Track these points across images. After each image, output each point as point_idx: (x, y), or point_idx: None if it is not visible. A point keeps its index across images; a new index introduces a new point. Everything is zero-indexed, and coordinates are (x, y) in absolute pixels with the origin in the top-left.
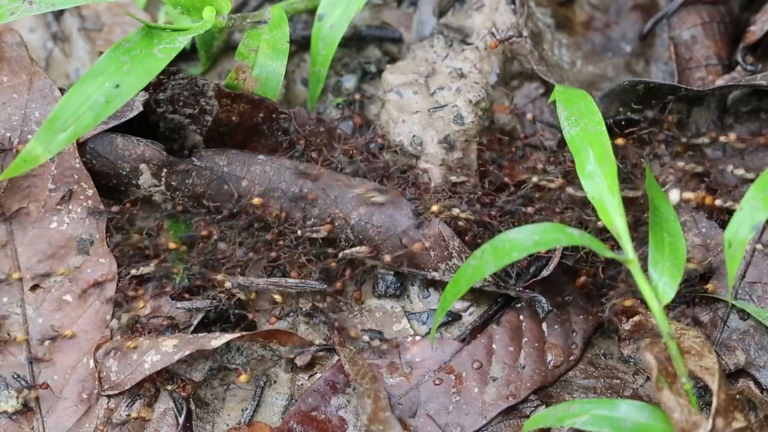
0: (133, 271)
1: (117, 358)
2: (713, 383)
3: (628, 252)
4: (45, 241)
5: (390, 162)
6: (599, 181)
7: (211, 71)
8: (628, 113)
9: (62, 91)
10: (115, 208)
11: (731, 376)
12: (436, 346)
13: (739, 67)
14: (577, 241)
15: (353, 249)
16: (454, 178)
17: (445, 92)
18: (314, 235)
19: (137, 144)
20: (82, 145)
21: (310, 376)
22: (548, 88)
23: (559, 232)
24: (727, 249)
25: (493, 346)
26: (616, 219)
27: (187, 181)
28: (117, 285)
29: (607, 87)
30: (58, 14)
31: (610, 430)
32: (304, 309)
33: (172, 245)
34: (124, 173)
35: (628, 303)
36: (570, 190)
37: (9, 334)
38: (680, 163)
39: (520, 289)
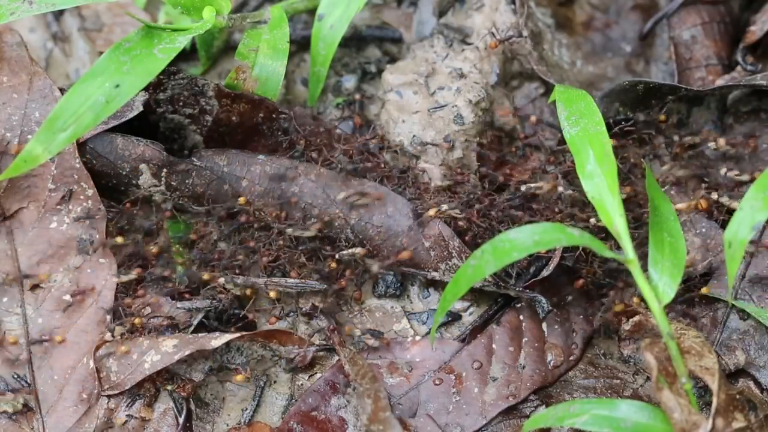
0: (129, 276)
1: (117, 358)
2: (713, 383)
3: (628, 252)
4: (45, 241)
5: (390, 162)
6: (599, 181)
7: (211, 71)
8: (628, 113)
9: (62, 91)
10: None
11: (731, 376)
12: (436, 346)
13: (739, 67)
14: (577, 241)
15: (350, 250)
16: (448, 182)
17: (445, 92)
18: (304, 234)
19: (137, 144)
20: (82, 145)
21: (310, 376)
22: (548, 88)
23: (559, 232)
24: (727, 249)
25: (493, 346)
26: (616, 219)
27: (187, 181)
28: (117, 285)
29: (607, 87)
30: (58, 14)
31: (610, 430)
32: (304, 309)
33: (172, 245)
34: (124, 173)
35: (618, 308)
36: (560, 189)
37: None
38: (676, 170)
39: (520, 289)
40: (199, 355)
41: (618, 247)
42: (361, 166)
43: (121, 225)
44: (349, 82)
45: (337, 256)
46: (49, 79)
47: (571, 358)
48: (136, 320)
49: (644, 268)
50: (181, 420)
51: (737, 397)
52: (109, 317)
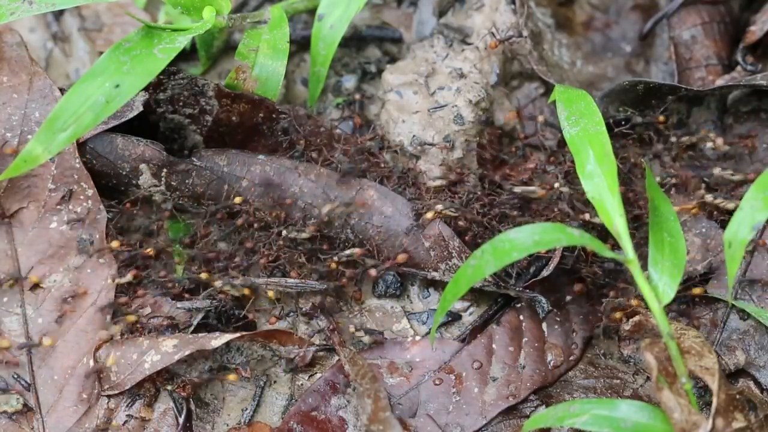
0: (127, 278)
1: (117, 358)
2: (713, 383)
3: (628, 252)
4: (45, 241)
5: (390, 162)
6: (599, 181)
7: (211, 71)
8: (629, 113)
9: (62, 91)
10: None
11: (731, 376)
12: (436, 346)
13: (739, 67)
14: (577, 241)
15: (348, 251)
16: (441, 181)
17: (445, 92)
18: (300, 236)
19: (137, 144)
20: (82, 145)
21: (310, 376)
22: (548, 88)
23: (559, 232)
24: (727, 249)
25: (493, 346)
26: (616, 219)
27: (187, 181)
28: (117, 285)
29: (607, 87)
30: (58, 14)
31: (610, 430)
32: (304, 309)
33: (171, 245)
34: (124, 173)
35: (618, 309)
36: (557, 187)
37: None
38: (675, 170)
39: (520, 289)
40: (199, 355)
41: (617, 247)
42: (361, 166)
43: (121, 225)
44: (349, 82)
45: (335, 258)
46: (49, 79)
47: (571, 358)
48: (136, 320)
49: (644, 269)
50: (181, 420)
51: (737, 397)
52: (109, 317)
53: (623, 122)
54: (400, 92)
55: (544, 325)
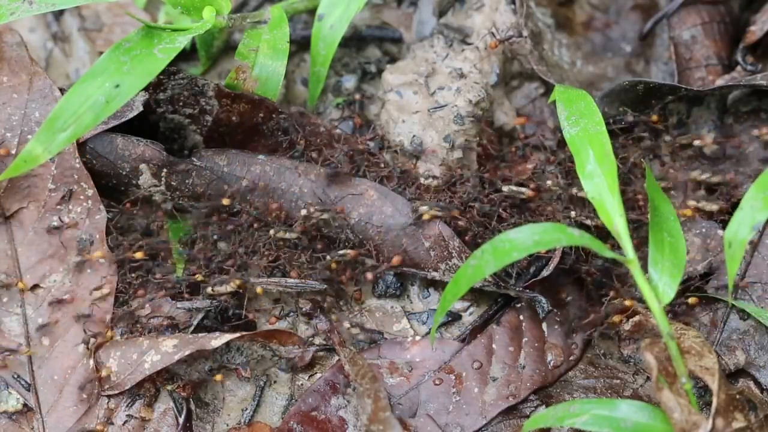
0: (127, 278)
1: (117, 358)
2: (713, 383)
3: (628, 252)
4: (45, 241)
5: (390, 162)
6: (599, 181)
7: (211, 71)
8: (627, 113)
9: (62, 91)
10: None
11: (731, 376)
12: (436, 346)
13: (739, 67)
14: (577, 241)
15: (340, 251)
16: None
17: (445, 92)
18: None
19: (137, 144)
20: (82, 145)
21: (310, 376)
22: (548, 88)
23: (559, 232)
24: (727, 249)
25: (493, 346)
26: (616, 219)
27: (187, 181)
28: (117, 285)
29: (607, 87)
30: (58, 14)
31: (610, 430)
32: (304, 309)
33: (172, 245)
34: (124, 173)
35: (616, 319)
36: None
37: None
38: (673, 170)
39: (520, 289)
40: (199, 355)
41: (617, 247)
42: (352, 166)
43: (121, 225)
44: (349, 82)
45: (328, 257)
46: (49, 79)
47: (571, 358)
48: (136, 320)
49: (644, 269)
50: (181, 420)
51: (737, 397)
52: (108, 317)
53: (622, 122)
54: (400, 92)
55: (544, 325)
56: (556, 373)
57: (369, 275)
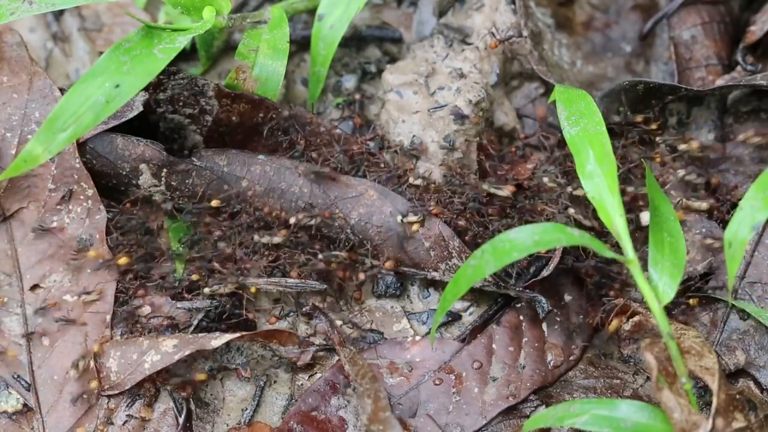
0: (126, 279)
1: (117, 358)
2: (713, 383)
3: (628, 252)
4: (45, 240)
5: (390, 162)
6: (599, 181)
7: (211, 71)
8: (628, 113)
9: (62, 91)
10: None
11: (731, 376)
12: (436, 346)
13: (739, 67)
14: (577, 241)
15: (334, 252)
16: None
17: (445, 92)
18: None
19: (137, 144)
20: (82, 145)
21: (310, 376)
22: (548, 88)
23: (559, 232)
24: (727, 249)
25: (493, 346)
26: (616, 219)
27: (187, 181)
28: (117, 285)
29: (607, 87)
30: (58, 14)
31: (610, 430)
32: (304, 309)
33: (172, 245)
34: (124, 173)
35: (615, 322)
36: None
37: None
38: (672, 171)
39: (520, 289)
40: (199, 355)
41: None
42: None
43: (121, 225)
44: (349, 82)
45: (319, 256)
46: (49, 79)
47: (571, 358)
48: (136, 320)
49: (644, 269)
50: (181, 420)
51: (737, 397)
52: (108, 317)
53: (621, 122)
54: (400, 92)
55: (544, 325)
56: (556, 373)
57: (361, 275)
